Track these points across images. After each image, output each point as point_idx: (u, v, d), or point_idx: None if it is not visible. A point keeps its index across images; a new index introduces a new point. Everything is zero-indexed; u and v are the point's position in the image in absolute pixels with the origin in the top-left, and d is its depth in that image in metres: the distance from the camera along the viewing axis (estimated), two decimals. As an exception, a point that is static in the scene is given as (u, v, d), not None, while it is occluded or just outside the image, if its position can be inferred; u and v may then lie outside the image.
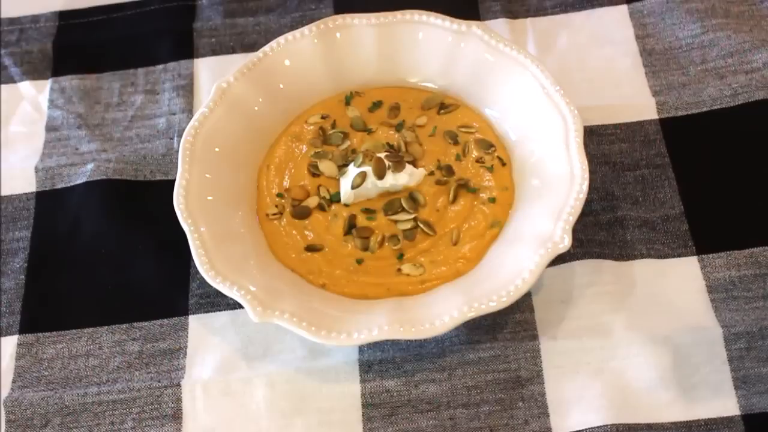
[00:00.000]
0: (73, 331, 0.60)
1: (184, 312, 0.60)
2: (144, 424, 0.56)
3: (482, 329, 0.57)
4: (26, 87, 0.73)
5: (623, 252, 0.59)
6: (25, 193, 0.67)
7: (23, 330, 0.61)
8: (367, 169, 0.59)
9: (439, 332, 0.52)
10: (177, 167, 0.59)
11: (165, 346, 0.59)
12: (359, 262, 0.58)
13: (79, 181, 0.66)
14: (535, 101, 0.60)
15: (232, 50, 0.73)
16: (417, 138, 0.62)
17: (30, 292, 0.62)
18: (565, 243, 0.54)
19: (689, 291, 0.58)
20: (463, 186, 0.59)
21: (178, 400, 0.57)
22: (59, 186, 0.66)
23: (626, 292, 0.58)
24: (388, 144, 0.61)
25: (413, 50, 0.64)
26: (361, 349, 0.58)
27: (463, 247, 0.57)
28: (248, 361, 0.58)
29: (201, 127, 0.61)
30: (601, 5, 0.71)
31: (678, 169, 0.62)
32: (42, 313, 0.61)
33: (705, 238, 0.60)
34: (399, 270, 0.57)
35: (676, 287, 0.58)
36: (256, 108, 0.63)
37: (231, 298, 0.55)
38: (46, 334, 0.60)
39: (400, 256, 0.58)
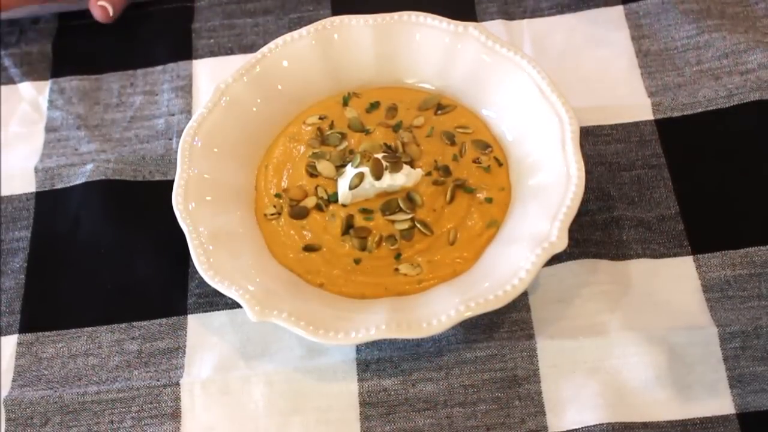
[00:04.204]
0: (73, 330, 0.60)
1: (183, 311, 0.60)
2: (143, 423, 0.57)
3: (479, 328, 0.58)
4: (26, 88, 0.73)
5: (619, 252, 0.60)
6: (25, 193, 0.67)
7: (23, 329, 0.61)
8: (365, 169, 0.59)
9: (436, 331, 0.52)
10: (176, 167, 0.59)
11: (164, 345, 0.59)
12: (357, 261, 0.58)
13: (78, 182, 0.66)
14: (531, 102, 0.60)
15: (231, 51, 0.73)
16: (414, 138, 0.62)
17: (30, 292, 0.62)
18: (562, 243, 0.54)
19: (685, 290, 0.58)
20: (460, 186, 0.60)
21: (177, 399, 0.57)
22: (59, 186, 0.67)
23: (622, 292, 0.58)
24: (385, 144, 0.61)
25: (410, 51, 0.64)
26: (359, 348, 0.58)
27: (460, 247, 0.58)
28: (246, 360, 0.58)
29: (200, 127, 0.61)
30: (597, 6, 0.71)
31: (673, 169, 0.63)
32: (42, 312, 0.62)
33: (700, 237, 0.60)
34: (396, 270, 0.57)
35: (671, 287, 0.58)
36: (254, 109, 0.63)
37: (229, 298, 0.55)
38: (46, 333, 0.61)
39: (398, 256, 0.58)
